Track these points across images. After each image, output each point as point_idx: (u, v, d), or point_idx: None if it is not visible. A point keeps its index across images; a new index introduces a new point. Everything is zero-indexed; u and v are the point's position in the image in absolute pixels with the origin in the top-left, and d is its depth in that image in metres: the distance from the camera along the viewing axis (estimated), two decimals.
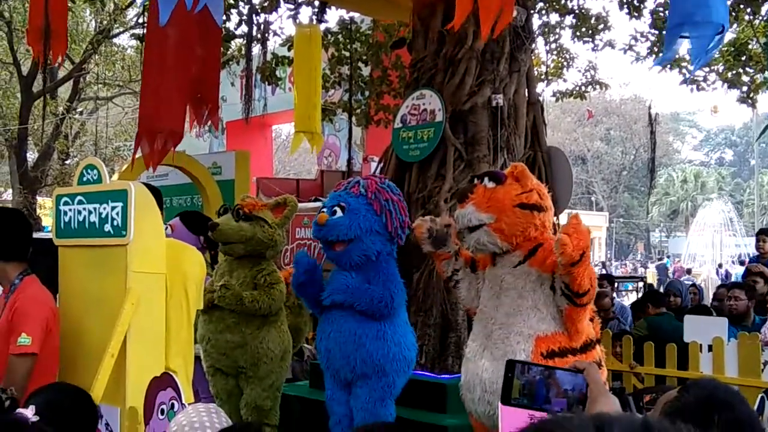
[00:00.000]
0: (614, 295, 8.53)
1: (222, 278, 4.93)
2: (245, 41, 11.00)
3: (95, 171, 3.59)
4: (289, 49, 10.76)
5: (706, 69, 11.91)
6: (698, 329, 5.40)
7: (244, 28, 10.47)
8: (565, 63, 12.63)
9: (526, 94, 6.53)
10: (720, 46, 4.00)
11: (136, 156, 5.74)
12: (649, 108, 9.61)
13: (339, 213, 4.22)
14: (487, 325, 3.94)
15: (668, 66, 11.88)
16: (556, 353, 3.74)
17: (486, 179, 3.90)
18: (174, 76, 5.43)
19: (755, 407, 2.76)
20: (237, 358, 4.90)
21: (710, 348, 5.27)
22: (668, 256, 38.94)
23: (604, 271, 20.23)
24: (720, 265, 25.70)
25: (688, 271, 24.64)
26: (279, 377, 5.04)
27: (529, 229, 3.86)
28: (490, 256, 4.08)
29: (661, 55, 10.92)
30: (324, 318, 4.44)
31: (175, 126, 5.32)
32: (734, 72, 11.83)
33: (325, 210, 4.29)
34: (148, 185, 3.96)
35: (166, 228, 5.17)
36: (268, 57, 11.21)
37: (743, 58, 11.58)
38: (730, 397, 1.92)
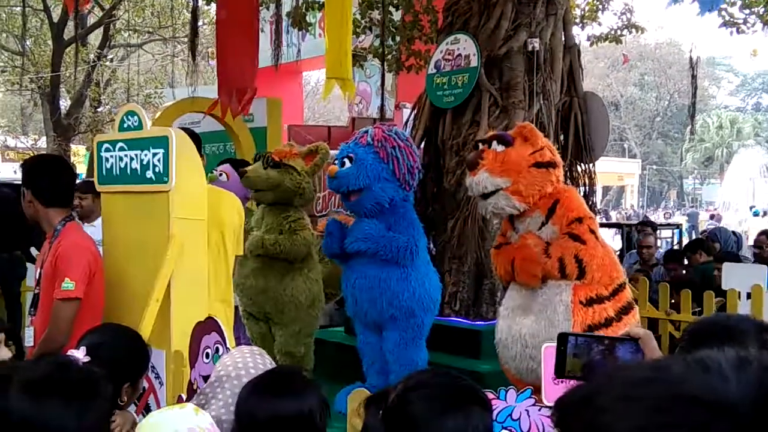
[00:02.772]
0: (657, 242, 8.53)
1: (256, 225, 5.00)
2: None
3: (136, 117, 3.60)
4: None
5: (747, 11, 11.57)
6: (737, 277, 5.36)
7: None
8: (600, 6, 12.34)
9: (563, 38, 6.41)
10: None
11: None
12: (690, 52, 9.37)
13: (348, 164, 4.29)
14: (521, 285, 3.98)
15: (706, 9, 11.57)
16: (593, 300, 3.77)
17: (494, 143, 3.89)
18: (243, 32, 6.12)
19: None
20: (262, 303, 4.99)
21: (749, 296, 5.23)
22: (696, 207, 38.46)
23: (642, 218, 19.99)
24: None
25: (711, 217, 24.33)
26: (307, 325, 5.09)
27: (546, 187, 3.86)
28: (507, 219, 4.10)
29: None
30: (347, 267, 4.54)
31: (249, 82, 6.12)
32: None
33: (336, 162, 4.35)
34: (188, 131, 3.98)
35: (221, 175, 5.22)
36: (299, 2, 11.08)
37: None
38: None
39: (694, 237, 13.68)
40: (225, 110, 6.49)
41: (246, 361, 2.19)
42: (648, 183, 46.45)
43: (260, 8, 12.88)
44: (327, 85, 7.59)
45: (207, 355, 2.77)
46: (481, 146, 4.04)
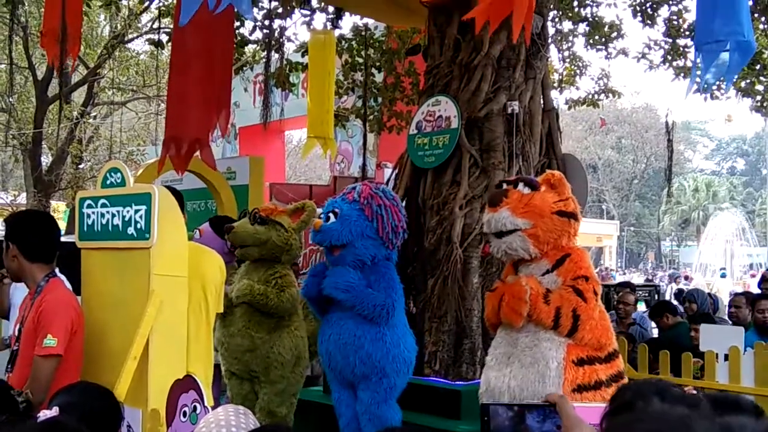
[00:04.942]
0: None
1: (240, 281, 4.99)
2: (263, 47, 11.08)
3: (119, 174, 3.63)
4: (302, 56, 10.83)
5: (721, 78, 11.89)
6: (714, 338, 5.39)
7: (258, 34, 10.55)
8: (578, 71, 12.64)
9: (542, 102, 6.54)
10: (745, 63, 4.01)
11: (164, 160, 5.86)
12: (666, 116, 9.59)
13: (332, 219, 4.31)
14: (511, 333, 3.93)
15: (681, 75, 11.88)
16: (585, 361, 3.73)
17: (521, 185, 3.90)
18: (199, 82, 5.58)
19: None
20: (248, 362, 4.95)
21: (726, 357, 5.25)
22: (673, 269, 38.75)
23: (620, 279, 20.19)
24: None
25: (686, 278, 24.54)
26: (292, 383, 5.05)
27: (562, 238, 3.85)
28: (511, 264, 4.08)
29: (687, 76, 10.93)
30: (324, 321, 4.51)
31: (201, 132, 5.54)
32: (748, 81, 11.83)
33: (321, 216, 4.39)
34: (170, 188, 4.00)
35: (195, 232, 5.22)
36: (283, 62, 11.26)
37: (757, 67, 11.58)
38: None
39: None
40: (163, 162, 5.89)
41: (229, 419, 2.17)
42: (626, 244, 46.82)
43: (245, 68, 13.11)
44: (308, 144, 7.68)
45: (184, 414, 2.75)
46: (504, 186, 4.04)
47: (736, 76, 11.54)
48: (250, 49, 11.71)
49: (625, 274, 33.31)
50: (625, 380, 3.90)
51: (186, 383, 2.83)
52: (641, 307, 10.73)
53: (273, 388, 4.97)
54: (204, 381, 3.07)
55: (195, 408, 2.75)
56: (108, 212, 3.61)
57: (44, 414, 2.18)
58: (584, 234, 34.33)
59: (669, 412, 0.67)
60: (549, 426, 1.90)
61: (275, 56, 9.78)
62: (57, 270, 3.65)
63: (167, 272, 3.45)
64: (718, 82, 11.77)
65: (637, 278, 29.57)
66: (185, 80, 5.72)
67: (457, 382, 5.54)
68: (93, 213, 3.71)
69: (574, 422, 1.84)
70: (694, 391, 2.78)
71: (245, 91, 18.36)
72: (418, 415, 4.86)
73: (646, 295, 12.77)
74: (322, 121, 7.57)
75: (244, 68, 12.51)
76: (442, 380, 5.60)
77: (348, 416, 4.50)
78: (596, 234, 36.18)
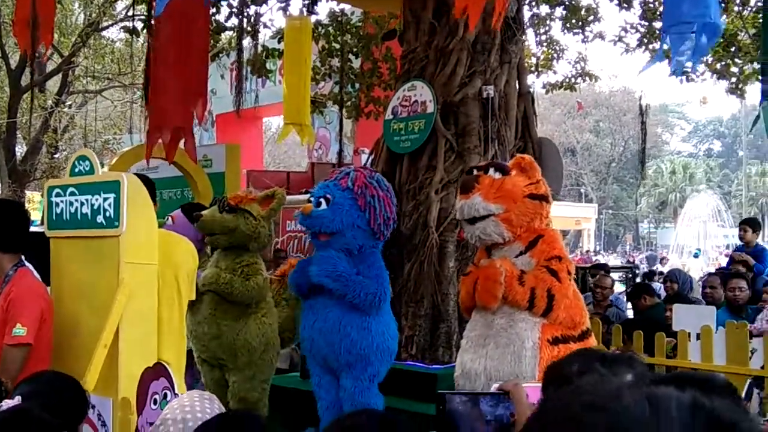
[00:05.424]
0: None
1: (208, 269, 4.97)
2: (236, 33, 10.99)
3: (87, 162, 3.59)
4: (279, 42, 10.75)
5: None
6: (687, 318, 5.45)
7: (234, 21, 10.45)
8: (555, 55, 12.64)
9: (517, 86, 6.55)
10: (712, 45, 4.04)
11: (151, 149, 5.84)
12: (640, 99, 9.64)
13: (324, 205, 4.23)
14: (486, 315, 3.95)
15: (657, 58, 11.92)
16: (559, 340, 3.77)
17: (491, 170, 3.91)
18: (178, 70, 5.59)
19: (743, 394, 2.79)
20: (215, 349, 4.94)
21: (698, 336, 5.31)
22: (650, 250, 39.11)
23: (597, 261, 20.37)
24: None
25: (662, 260, 24.75)
26: (261, 370, 5.03)
27: (535, 220, 3.88)
28: (484, 248, 4.10)
29: (655, 56, 10.97)
30: (307, 306, 4.47)
31: (184, 121, 5.54)
32: (723, 63, 11.88)
33: (312, 200, 4.31)
34: (141, 176, 3.96)
35: (167, 219, 5.18)
36: (259, 49, 11.18)
37: (732, 49, 11.63)
38: None
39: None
40: (150, 153, 5.87)
41: (193, 405, 2.16)
42: (605, 227, 47.15)
43: (221, 55, 13.01)
44: (284, 131, 7.63)
45: (155, 401, 2.73)
46: (476, 172, 4.05)
47: (710, 58, 11.67)
48: (226, 36, 11.60)
49: (603, 256, 33.58)
50: None
51: (157, 371, 2.81)
52: (620, 288, 10.84)
53: (241, 375, 4.97)
54: (176, 368, 3.06)
55: (165, 395, 2.74)
56: (77, 201, 3.58)
57: (6, 404, 2.16)
58: (563, 217, 34.48)
59: (602, 383, 0.67)
60: (501, 410, 1.92)
61: (250, 42, 9.72)
62: (24, 259, 3.62)
63: (137, 260, 3.42)
64: (687, 64, 11.88)
65: (615, 261, 29.82)
66: (166, 69, 5.70)
67: (434, 366, 5.56)
68: (62, 202, 3.67)
69: (526, 408, 1.87)
70: None
71: (222, 78, 18.22)
72: (394, 399, 4.87)
73: (624, 276, 12.88)
74: (298, 107, 7.51)
75: (220, 55, 12.40)
76: (418, 364, 5.63)
77: (328, 400, 4.49)
78: (575, 217, 36.36)
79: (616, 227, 50.58)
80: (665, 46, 3.69)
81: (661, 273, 13.53)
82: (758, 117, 5.14)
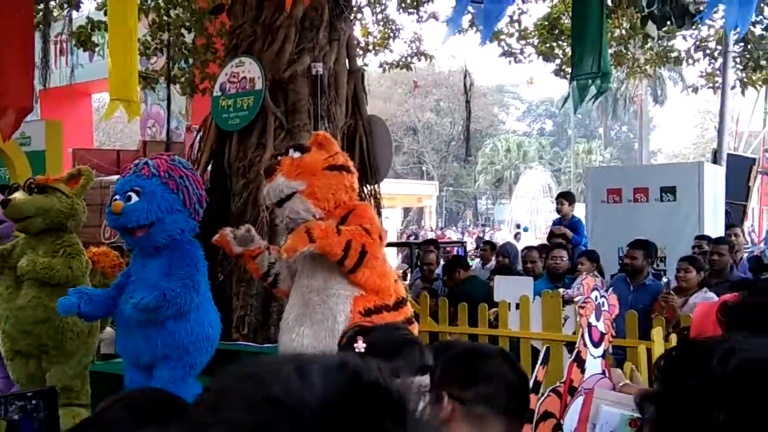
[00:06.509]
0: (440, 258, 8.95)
1: (24, 256, 4.68)
2: (61, 4, 10.38)
3: None
4: (105, 14, 10.23)
5: (523, 42, 12.52)
6: (507, 289, 5.72)
7: None
8: (391, 34, 12.82)
9: (347, 63, 6.58)
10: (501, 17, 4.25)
11: None
12: (465, 78, 9.98)
13: (135, 198, 4.03)
14: (303, 294, 3.98)
15: (488, 39, 12.36)
16: (372, 311, 3.86)
17: (291, 150, 3.96)
18: (18, 51, 5.46)
19: (540, 359, 2.97)
20: (40, 334, 4.70)
21: (518, 306, 5.59)
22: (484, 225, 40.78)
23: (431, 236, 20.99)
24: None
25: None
26: (87, 354, 4.86)
27: (339, 192, 3.94)
28: None
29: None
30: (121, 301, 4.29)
31: (24, 101, 5.58)
32: (548, 45, 12.49)
33: (117, 197, 4.08)
34: None
35: None
36: (83, 22, 10.63)
37: (556, 32, 12.25)
38: None
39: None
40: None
41: None
42: (446, 204, 48.67)
43: (41, 26, 12.22)
44: (110, 107, 7.31)
45: None
46: (279, 157, 4.05)
47: (536, 41, 12.25)
48: (50, 6, 10.90)
49: (454, 232, 34.66)
50: (414, 326, 4.08)
51: None
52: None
53: (68, 361, 4.77)
54: None
55: None
56: None
57: None
58: (406, 195, 35.34)
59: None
60: None
61: (72, 14, 9.20)
62: None
63: None
64: (520, 45, 12.43)
65: (454, 235, 30.91)
66: (8, 47, 5.69)
67: (265, 345, 5.54)
68: None
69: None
70: None
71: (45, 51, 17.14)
72: None
73: (454, 252, 13.37)
74: (124, 82, 7.21)
75: (41, 26, 11.65)
76: (249, 344, 5.59)
77: None
78: (417, 194, 37.36)
79: (457, 204, 52.32)
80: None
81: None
82: (568, 96, 5.46)
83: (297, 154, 3.91)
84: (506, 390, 1.81)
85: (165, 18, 10.46)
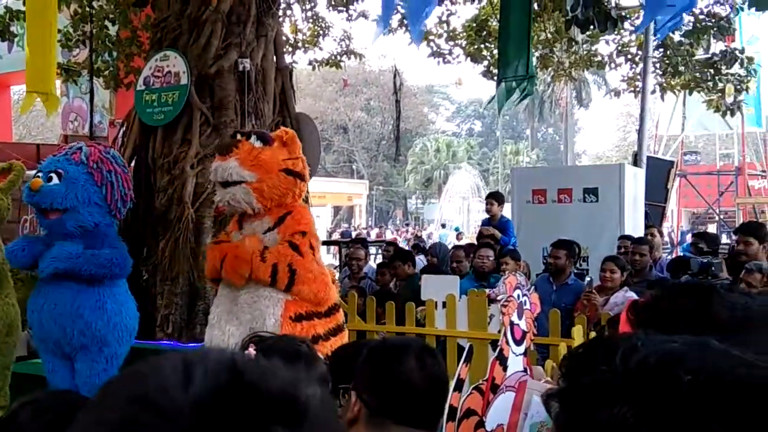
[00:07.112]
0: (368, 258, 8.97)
1: None
2: None
3: None
4: (24, 4, 9.89)
5: (451, 43, 12.65)
6: (434, 287, 5.75)
7: None
8: (320, 31, 12.76)
9: (275, 60, 6.53)
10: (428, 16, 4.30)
11: None
12: (395, 77, 10.02)
13: (55, 180, 3.99)
14: (232, 290, 3.93)
15: (419, 39, 12.43)
16: (303, 317, 3.84)
17: (254, 137, 3.88)
18: None
19: (463, 357, 2.99)
20: None
21: (444, 304, 5.62)
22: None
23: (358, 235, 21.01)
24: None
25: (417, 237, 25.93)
26: (4, 354, 4.68)
27: (287, 196, 3.91)
28: (236, 219, 4.08)
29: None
30: (37, 289, 4.22)
31: None
32: (476, 47, 12.65)
33: (40, 175, 4.02)
34: None
35: None
36: (1, 11, 10.25)
37: (484, 34, 12.42)
38: None
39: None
40: None
41: None
42: (376, 203, 48.76)
43: None
44: (27, 100, 7.09)
45: None
46: (239, 137, 3.96)
47: (464, 42, 12.38)
48: None
49: (391, 231, 34.68)
50: (344, 333, 4.07)
51: None
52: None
53: None
54: None
55: None
56: None
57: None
58: (336, 193, 35.27)
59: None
60: None
61: None
62: None
63: None
64: (448, 46, 12.54)
65: (391, 235, 30.94)
66: None
67: (190, 344, 5.45)
68: None
69: None
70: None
71: None
72: None
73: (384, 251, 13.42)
74: (42, 75, 6.99)
75: None
76: (173, 343, 5.49)
77: (63, 387, 4.24)
78: (347, 193, 37.32)
79: (387, 203, 52.45)
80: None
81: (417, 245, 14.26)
82: (493, 97, 5.53)
83: (259, 144, 3.84)
84: (413, 399, 1.78)
85: (88, 9, 10.16)
